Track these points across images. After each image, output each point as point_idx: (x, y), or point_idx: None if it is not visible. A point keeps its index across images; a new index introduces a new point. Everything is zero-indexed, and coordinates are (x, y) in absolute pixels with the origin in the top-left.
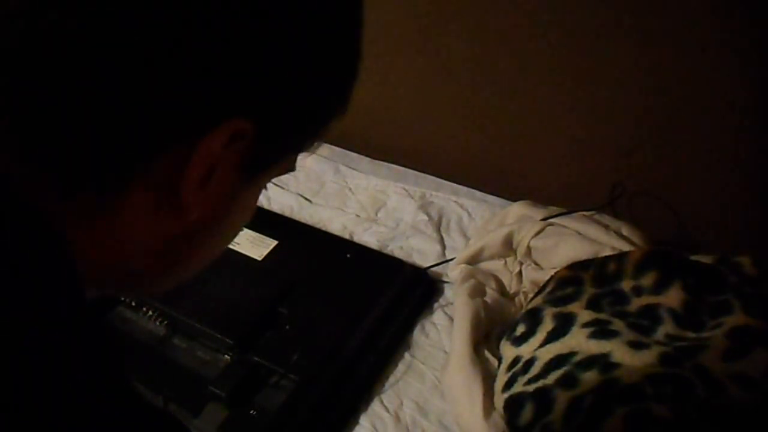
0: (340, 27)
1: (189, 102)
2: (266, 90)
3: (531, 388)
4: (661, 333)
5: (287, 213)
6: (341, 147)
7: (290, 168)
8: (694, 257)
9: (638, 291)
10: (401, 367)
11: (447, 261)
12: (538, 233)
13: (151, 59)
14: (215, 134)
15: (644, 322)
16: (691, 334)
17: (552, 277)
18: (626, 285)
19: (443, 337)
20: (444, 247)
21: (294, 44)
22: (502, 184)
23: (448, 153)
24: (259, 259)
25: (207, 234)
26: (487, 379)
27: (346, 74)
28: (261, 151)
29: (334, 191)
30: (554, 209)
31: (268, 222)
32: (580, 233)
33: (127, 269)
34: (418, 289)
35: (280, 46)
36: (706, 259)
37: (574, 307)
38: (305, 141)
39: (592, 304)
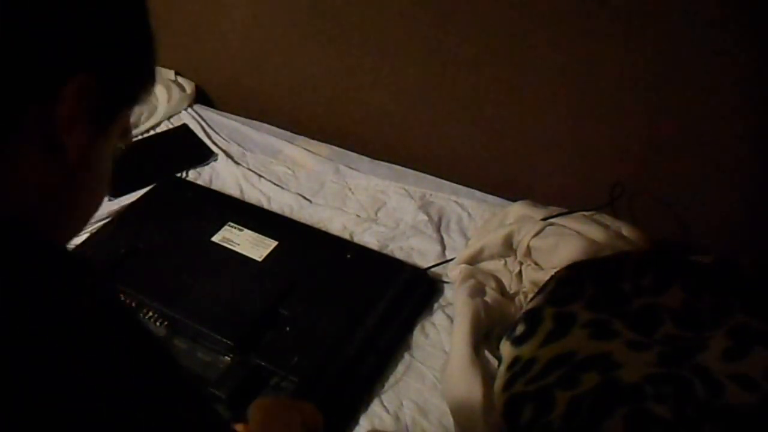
0: (132, 5)
1: (41, 64)
2: (97, 53)
3: (531, 388)
4: (661, 333)
5: (287, 213)
6: (341, 147)
7: (126, 133)
8: (694, 257)
9: (638, 291)
10: (401, 367)
11: (447, 261)
12: (538, 233)
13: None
14: (68, 87)
15: (644, 322)
16: (691, 334)
17: (552, 277)
18: (626, 285)
19: (443, 337)
20: (444, 247)
21: (105, 20)
22: (502, 184)
23: (448, 153)
24: (259, 259)
25: (81, 180)
26: (487, 379)
27: (144, 41)
28: (103, 103)
29: (334, 191)
30: (554, 209)
31: (268, 222)
32: (580, 233)
33: (23, 212)
34: (418, 289)
35: (95, 22)
36: (706, 259)
37: (574, 307)
38: (131, 96)
39: (592, 304)
